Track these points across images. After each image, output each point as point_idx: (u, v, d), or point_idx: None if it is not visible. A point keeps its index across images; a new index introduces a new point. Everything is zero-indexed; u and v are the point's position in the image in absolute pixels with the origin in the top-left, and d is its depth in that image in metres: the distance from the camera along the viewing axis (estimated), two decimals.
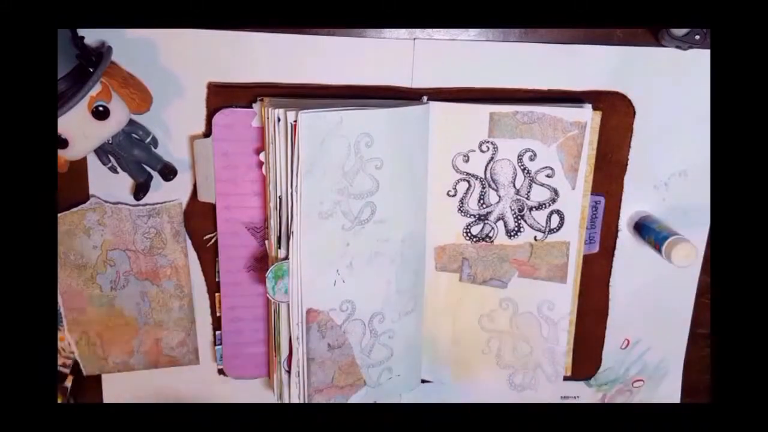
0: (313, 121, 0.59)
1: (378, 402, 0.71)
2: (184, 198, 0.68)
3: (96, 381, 0.73)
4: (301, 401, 0.67)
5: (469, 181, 0.67)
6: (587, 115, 0.65)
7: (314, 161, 0.60)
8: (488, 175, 0.67)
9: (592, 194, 0.68)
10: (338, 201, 0.63)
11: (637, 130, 0.69)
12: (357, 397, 0.69)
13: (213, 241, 0.69)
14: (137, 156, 0.64)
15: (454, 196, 0.68)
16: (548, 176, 0.67)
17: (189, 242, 0.67)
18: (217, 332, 0.72)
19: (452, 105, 0.65)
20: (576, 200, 0.67)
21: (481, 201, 0.68)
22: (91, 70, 0.56)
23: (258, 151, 0.65)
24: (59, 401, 0.68)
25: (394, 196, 0.65)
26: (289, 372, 0.67)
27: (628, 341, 0.78)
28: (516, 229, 0.68)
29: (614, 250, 0.74)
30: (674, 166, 0.71)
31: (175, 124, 0.66)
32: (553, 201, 0.67)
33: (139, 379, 0.73)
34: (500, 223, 0.68)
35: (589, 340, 0.76)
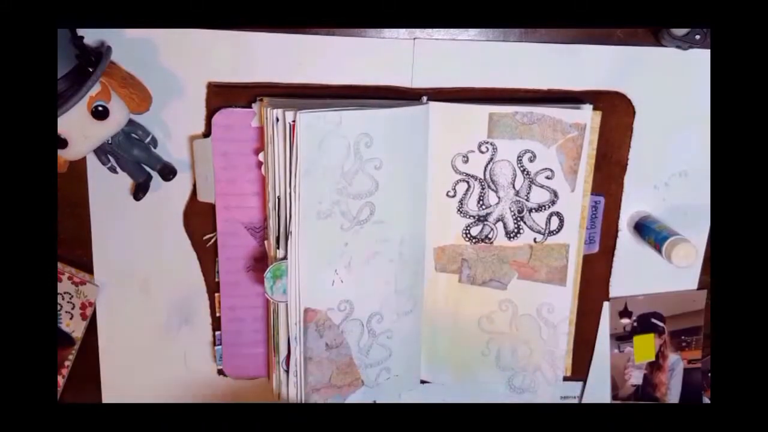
0: (312, 121, 0.59)
1: (377, 402, 0.71)
2: (184, 198, 0.68)
3: (95, 381, 0.73)
4: (299, 401, 0.67)
5: (468, 182, 0.67)
6: (587, 116, 0.64)
7: (313, 161, 0.60)
8: (487, 176, 0.67)
9: (592, 194, 0.68)
10: (337, 201, 0.62)
11: (637, 130, 0.69)
12: (355, 397, 0.69)
13: (213, 241, 0.69)
14: (137, 156, 0.64)
15: (453, 196, 0.68)
16: (548, 178, 0.66)
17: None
18: (217, 332, 0.72)
19: (451, 105, 0.65)
20: (575, 202, 0.67)
21: (481, 202, 0.68)
22: (91, 70, 0.56)
23: (257, 152, 0.65)
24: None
25: (393, 196, 0.65)
26: (287, 372, 0.67)
27: None
28: (515, 230, 0.68)
29: (614, 250, 0.74)
30: (674, 166, 0.71)
31: (175, 124, 0.66)
32: (553, 203, 0.67)
33: (139, 379, 0.74)
34: (500, 225, 0.68)
35: (589, 340, 0.76)
